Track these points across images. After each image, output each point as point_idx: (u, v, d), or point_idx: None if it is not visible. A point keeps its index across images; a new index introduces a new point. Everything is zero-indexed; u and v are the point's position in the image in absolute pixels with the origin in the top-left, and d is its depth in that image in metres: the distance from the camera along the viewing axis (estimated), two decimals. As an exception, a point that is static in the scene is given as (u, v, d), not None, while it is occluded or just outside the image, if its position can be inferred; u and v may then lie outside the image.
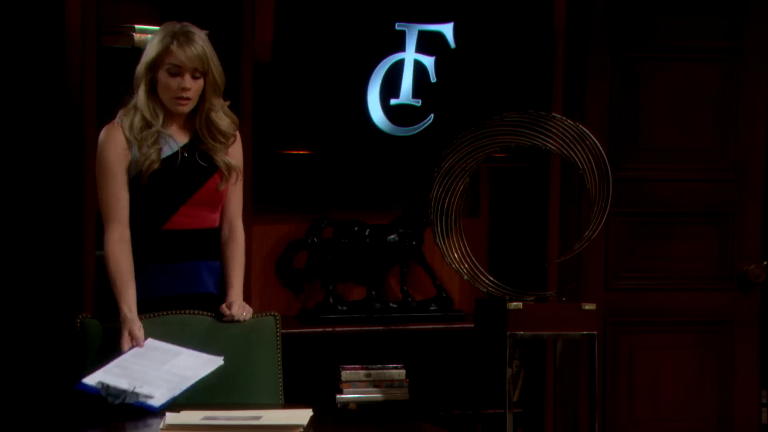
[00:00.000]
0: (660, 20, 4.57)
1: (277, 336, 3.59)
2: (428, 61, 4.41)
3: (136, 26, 3.97)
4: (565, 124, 4.08)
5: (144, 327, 3.36)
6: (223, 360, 3.30)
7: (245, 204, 3.97)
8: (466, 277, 4.17)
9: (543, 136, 4.05)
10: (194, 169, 3.34)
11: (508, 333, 4.02)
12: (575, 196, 4.52)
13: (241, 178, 3.41)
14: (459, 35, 4.41)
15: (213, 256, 3.41)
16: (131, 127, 3.30)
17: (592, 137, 4.08)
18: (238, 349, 3.49)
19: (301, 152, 4.32)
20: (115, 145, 3.28)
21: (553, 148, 4.08)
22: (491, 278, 4.15)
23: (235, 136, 3.39)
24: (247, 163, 3.98)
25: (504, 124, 4.08)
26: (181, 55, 3.27)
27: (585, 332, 4.06)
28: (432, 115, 4.40)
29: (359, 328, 4.37)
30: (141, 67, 3.32)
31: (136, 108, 3.32)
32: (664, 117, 4.60)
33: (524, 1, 4.45)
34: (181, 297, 3.35)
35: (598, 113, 4.57)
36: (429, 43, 4.37)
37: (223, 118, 3.35)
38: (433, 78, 4.41)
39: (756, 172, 4.66)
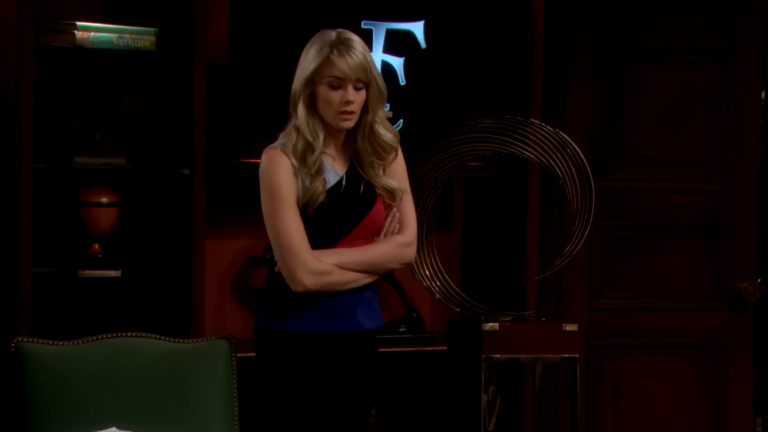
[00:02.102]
0: (646, 19, 4.58)
1: (233, 360, 3.60)
2: (397, 63, 4.40)
3: (78, 23, 3.88)
4: (545, 131, 4.09)
5: (86, 352, 3.33)
6: None
7: (197, 216, 4.02)
8: (438, 295, 4.18)
9: (521, 144, 4.06)
10: (356, 199, 3.32)
11: (483, 356, 4.02)
12: (555, 207, 4.51)
13: (406, 195, 3.37)
14: (430, 35, 4.41)
15: (366, 286, 3.36)
16: (294, 151, 3.25)
17: (574, 145, 4.09)
18: (188, 376, 3.49)
19: (259, 160, 4.10)
20: (284, 172, 3.24)
21: (532, 156, 4.09)
22: (465, 297, 4.16)
23: (396, 151, 3.36)
24: (200, 172, 4.03)
25: (479, 131, 4.09)
26: (343, 65, 3.22)
27: (566, 355, 4.06)
28: (401, 121, 4.37)
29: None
30: (298, 84, 3.28)
31: (298, 130, 3.27)
32: (650, 123, 4.60)
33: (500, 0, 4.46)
34: (329, 336, 3.30)
35: (580, 119, 4.57)
36: (398, 43, 4.36)
37: (387, 131, 3.32)
38: (402, 80, 4.40)
39: (749, 183, 4.67)
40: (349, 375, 3.34)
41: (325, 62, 3.24)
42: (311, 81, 3.26)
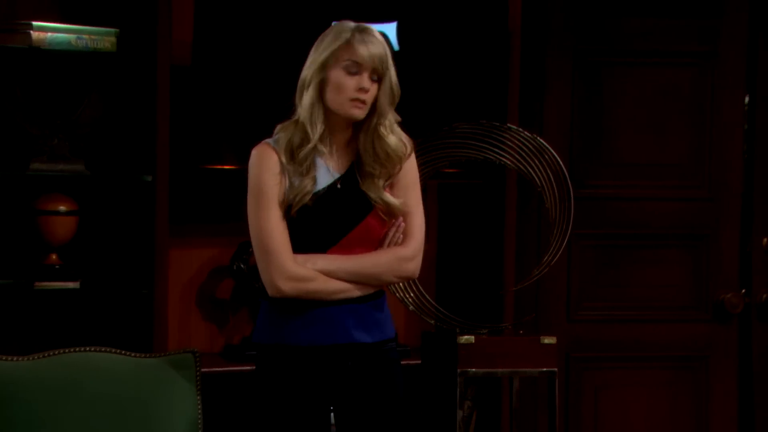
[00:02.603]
0: (627, 21, 4.58)
1: (197, 376, 3.58)
2: (369, 65, 4.32)
3: (34, 23, 3.87)
4: (522, 136, 4.09)
5: (42, 368, 3.30)
6: None
7: (160, 225, 4.00)
8: (411, 307, 4.15)
9: (497, 150, 4.06)
10: (347, 206, 3.20)
11: (458, 370, 4.00)
12: (533, 216, 4.52)
13: (416, 207, 3.24)
14: (403, 36, 4.40)
15: (363, 298, 3.24)
16: (288, 146, 3.16)
17: (552, 151, 4.08)
18: (151, 392, 3.48)
19: (226, 167, 4.28)
20: (270, 169, 3.15)
21: (509, 162, 4.09)
22: (440, 308, 4.14)
23: (402, 162, 3.22)
24: (163, 179, 4.00)
25: (454, 136, 4.09)
26: (364, 50, 3.13)
27: (544, 369, 4.05)
28: (373, 126, 4.28)
29: None
30: (310, 70, 3.18)
31: (296, 123, 3.19)
32: (632, 128, 4.61)
33: (476, 1, 4.46)
34: (319, 348, 3.20)
35: (559, 124, 4.57)
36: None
37: (393, 136, 3.21)
38: (374, 84, 4.32)
39: (733, 190, 4.68)
40: (349, 390, 3.23)
41: (345, 46, 3.16)
42: (325, 66, 3.16)
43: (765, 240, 4.67)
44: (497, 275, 4.53)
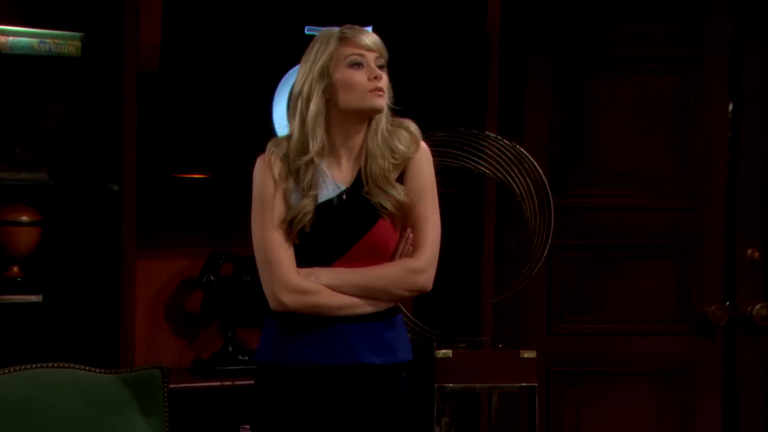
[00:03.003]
0: (608, 26, 4.60)
1: (165, 392, 3.56)
2: (343, 71, 4.33)
3: None
4: (501, 144, 4.10)
5: (2, 385, 3.28)
6: None
7: (127, 235, 3.97)
8: None
9: (475, 158, 4.07)
10: (353, 216, 3.08)
11: (435, 385, 4.00)
12: (513, 226, 4.53)
13: (429, 214, 3.13)
14: None
15: (372, 315, 3.12)
16: (284, 159, 3.07)
17: (531, 159, 4.08)
18: (117, 410, 3.48)
19: (195, 176, 4.26)
20: (270, 180, 3.07)
21: (487, 171, 4.10)
22: (416, 321, 4.13)
23: (418, 144, 3.12)
24: (130, 188, 3.99)
25: (431, 144, 3.94)
26: (363, 39, 3.08)
27: (524, 384, 4.05)
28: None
29: None
30: (307, 82, 3.08)
31: (290, 138, 3.09)
32: (613, 136, 4.62)
33: (453, 4, 4.46)
34: (320, 368, 3.08)
35: (539, 132, 4.58)
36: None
37: (403, 120, 3.16)
38: (349, 90, 4.33)
39: (716, 200, 4.69)
40: (348, 420, 3.10)
41: (341, 43, 3.09)
42: (325, 71, 3.08)
43: (750, 251, 4.68)
44: (476, 287, 4.52)
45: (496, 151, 4.07)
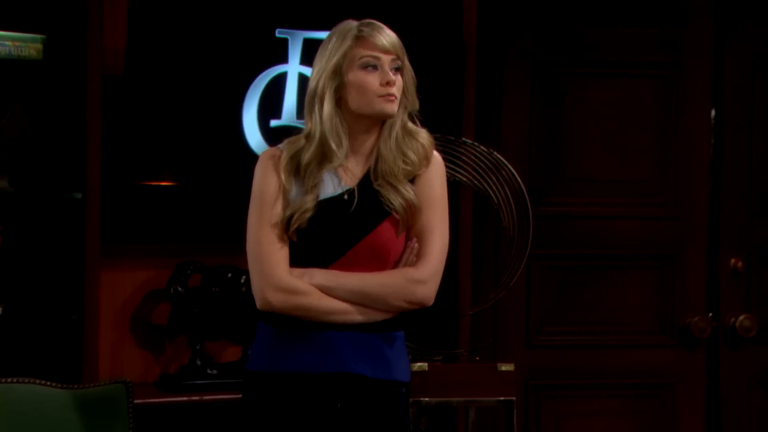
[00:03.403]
0: (588, 30, 4.60)
1: (129, 408, 3.54)
2: (316, 76, 4.34)
3: None
4: (478, 151, 4.09)
5: None
6: None
7: (91, 245, 3.98)
8: None
9: (451, 165, 4.02)
10: (355, 216, 3.01)
11: (411, 400, 3.82)
12: (490, 235, 4.51)
13: (437, 223, 3.05)
14: None
15: (370, 326, 3.03)
16: (294, 161, 2.99)
17: (509, 166, 4.08)
18: (78, 426, 3.44)
19: (162, 183, 4.28)
20: (272, 177, 3.00)
21: (464, 179, 4.09)
22: None
23: (429, 157, 3.07)
24: (94, 196, 4.00)
25: None
26: (379, 40, 3.01)
27: (502, 398, 4.02)
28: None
29: (233, 396, 4.21)
30: (321, 79, 3.00)
31: (308, 137, 3.01)
32: (593, 142, 4.62)
33: (428, 7, 4.46)
34: (308, 376, 3.00)
35: (517, 138, 4.57)
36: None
37: (422, 127, 3.09)
38: (321, 95, 4.34)
39: (699, 208, 4.68)
40: (348, 429, 3.02)
41: (357, 42, 3.02)
42: (338, 70, 3.01)
43: (733, 260, 4.68)
44: (452, 298, 4.50)
45: (473, 157, 4.06)
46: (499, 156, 4.07)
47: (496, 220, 4.13)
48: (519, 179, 4.05)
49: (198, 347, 4.33)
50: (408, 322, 4.39)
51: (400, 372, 3.06)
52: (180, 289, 4.30)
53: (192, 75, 4.21)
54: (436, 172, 3.09)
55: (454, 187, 4.27)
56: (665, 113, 4.62)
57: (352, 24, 3.05)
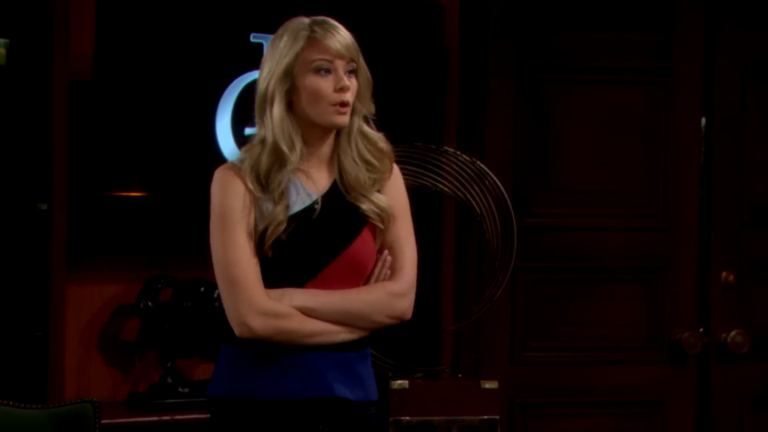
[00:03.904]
0: (574, 35, 4.60)
1: (97, 429, 3.48)
2: (292, 81, 4.36)
3: None
4: (460, 160, 4.10)
5: None
6: None
7: (57, 258, 3.99)
8: None
9: (433, 175, 4.06)
10: (330, 230, 2.94)
11: (390, 419, 3.96)
12: (474, 247, 4.50)
13: (404, 232, 3.02)
14: None
15: (344, 345, 2.96)
16: (255, 169, 2.92)
17: (493, 176, 4.09)
18: None
19: (132, 194, 4.28)
20: (237, 194, 2.91)
21: (446, 189, 4.10)
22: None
23: (392, 162, 3.02)
24: (60, 207, 4.01)
25: None
26: (333, 42, 2.91)
27: (486, 417, 4.01)
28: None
29: (206, 416, 3.96)
30: (270, 81, 2.93)
31: (263, 143, 2.93)
32: (580, 152, 4.62)
33: (409, 12, 4.48)
34: (293, 402, 2.92)
35: (501, 147, 4.57)
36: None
37: (378, 133, 3.02)
38: (298, 102, 4.36)
39: (689, 219, 4.69)
40: None
41: (309, 44, 2.93)
42: (289, 73, 2.93)
43: (724, 274, 4.68)
44: (434, 313, 4.52)
45: (455, 167, 4.06)
46: (482, 165, 4.07)
47: (480, 232, 4.15)
48: (503, 189, 4.05)
49: (169, 365, 4.31)
50: (387, 338, 4.40)
51: (372, 390, 3.01)
52: (150, 303, 4.28)
53: (163, 80, 4.21)
54: (399, 181, 3.05)
55: (435, 198, 4.34)
56: (654, 121, 4.63)
57: (305, 22, 2.97)
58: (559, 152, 4.58)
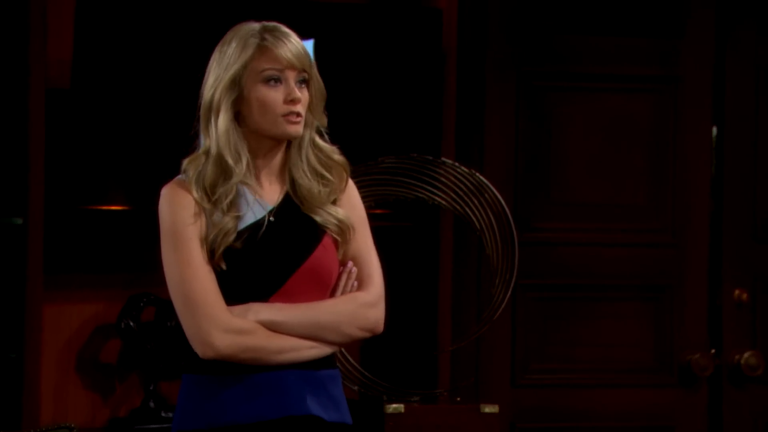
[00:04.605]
0: (577, 40, 4.60)
1: None
2: (282, 89, 4.38)
3: None
4: (458, 172, 4.10)
5: None
6: None
7: (33, 276, 3.96)
8: None
9: (430, 187, 4.07)
10: (289, 240, 2.91)
11: None
12: (473, 264, 4.48)
13: (365, 240, 3.00)
14: (321, 57, 4.23)
15: (314, 363, 2.92)
16: (200, 182, 2.89)
17: (493, 189, 4.10)
18: None
19: (112, 207, 4.28)
20: (186, 208, 2.87)
21: (443, 202, 4.10)
22: (364, 372, 4.13)
23: (347, 174, 2.99)
24: (36, 222, 3.98)
25: (379, 172, 4.09)
26: (283, 51, 2.87)
27: None
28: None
29: None
30: (217, 89, 2.91)
31: (207, 153, 2.90)
32: (584, 163, 4.62)
33: (403, 16, 4.48)
34: (268, 423, 2.86)
35: (501, 158, 4.55)
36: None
37: (330, 146, 2.99)
38: (287, 110, 4.36)
39: (699, 234, 4.67)
40: None
41: (258, 52, 2.89)
42: (237, 82, 2.90)
43: (737, 292, 4.65)
44: (431, 333, 4.52)
45: (453, 179, 4.07)
46: (481, 177, 4.08)
47: (479, 248, 4.17)
48: (503, 203, 4.06)
49: (151, 388, 4.29)
50: (382, 360, 4.40)
51: (346, 414, 2.96)
52: (132, 323, 4.27)
53: (146, 88, 4.21)
54: (355, 192, 3.03)
55: (432, 211, 4.36)
56: (661, 130, 4.63)
57: (255, 28, 2.94)
58: (562, 163, 4.59)
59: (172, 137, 4.17)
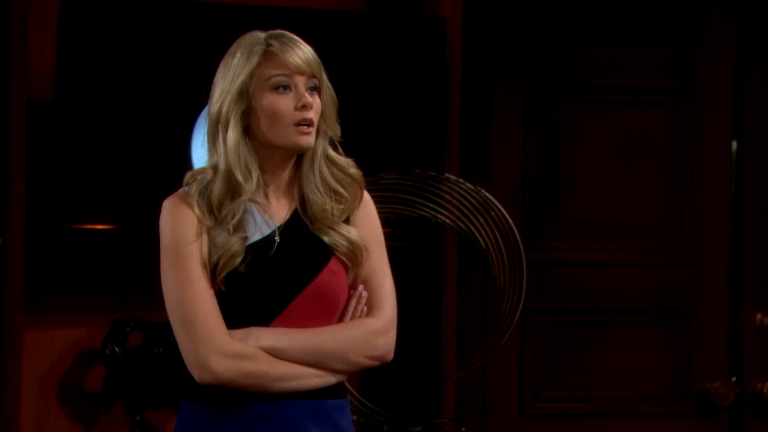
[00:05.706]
0: (588, 50, 4.63)
1: None
2: (277, 102, 4.40)
3: None
4: (463, 189, 4.13)
5: None
6: None
7: (12, 299, 3.97)
8: None
9: (433, 205, 4.10)
10: (293, 261, 2.89)
11: None
12: (478, 285, 4.49)
13: (379, 263, 2.97)
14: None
15: (320, 392, 2.91)
16: (205, 198, 2.88)
17: (499, 206, 4.12)
18: None
19: (98, 226, 4.29)
20: (188, 225, 2.86)
21: (447, 220, 4.12)
22: (363, 400, 4.14)
23: (362, 190, 2.97)
24: (17, 242, 4.01)
25: (380, 188, 4.08)
26: (292, 57, 2.86)
27: None
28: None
29: None
30: (224, 102, 2.89)
31: (215, 169, 2.89)
32: (596, 179, 4.63)
33: (406, 25, 4.52)
34: None
35: (508, 174, 4.58)
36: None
37: (345, 159, 2.97)
38: (284, 124, 4.39)
39: (718, 254, 4.68)
40: None
41: (265, 59, 2.89)
42: (245, 92, 2.89)
43: (759, 316, 4.65)
44: (434, 359, 4.54)
45: (458, 196, 4.10)
46: (487, 194, 4.10)
47: (485, 269, 4.18)
48: (510, 221, 4.08)
49: (138, 417, 4.30)
50: (383, 388, 4.40)
51: None
52: (117, 349, 4.27)
53: (133, 102, 4.23)
54: (372, 209, 3.00)
55: (436, 230, 4.36)
56: (678, 145, 4.65)
57: (260, 36, 2.94)
58: (573, 180, 4.60)
59: (161, 152, 4.24)
